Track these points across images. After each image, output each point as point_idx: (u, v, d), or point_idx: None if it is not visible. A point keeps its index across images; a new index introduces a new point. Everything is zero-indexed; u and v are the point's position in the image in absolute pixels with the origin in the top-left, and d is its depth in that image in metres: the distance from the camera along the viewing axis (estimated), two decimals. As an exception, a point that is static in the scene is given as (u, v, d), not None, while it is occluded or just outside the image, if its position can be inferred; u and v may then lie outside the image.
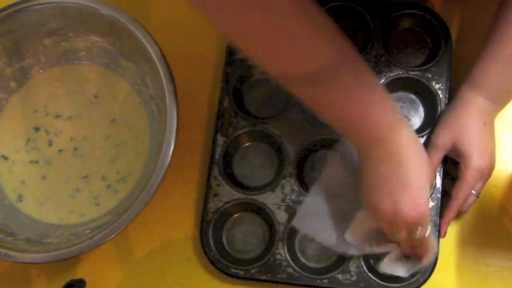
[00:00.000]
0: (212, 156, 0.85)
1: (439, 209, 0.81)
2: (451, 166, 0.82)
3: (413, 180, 0.71)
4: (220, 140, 0.86)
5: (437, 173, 0.82)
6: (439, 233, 0.81)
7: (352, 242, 0.79)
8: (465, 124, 0.79)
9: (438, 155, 0.81)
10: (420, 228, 0.72)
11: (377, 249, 0.79)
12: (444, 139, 0.80)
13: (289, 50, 0.62)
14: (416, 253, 0.77)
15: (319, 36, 0.62)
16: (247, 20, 0.58)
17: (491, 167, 0.79)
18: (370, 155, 0.72)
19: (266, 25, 0.59)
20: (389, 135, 0.70)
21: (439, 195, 0.82)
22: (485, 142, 0.79)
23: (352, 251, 0.80)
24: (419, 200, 0.71)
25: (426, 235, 0.74)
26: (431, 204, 0.82)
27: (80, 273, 0.86)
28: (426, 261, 0.77)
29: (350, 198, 0.80)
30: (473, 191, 0.79)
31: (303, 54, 0.62)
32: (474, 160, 0.77)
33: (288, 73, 0.65)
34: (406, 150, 0.71)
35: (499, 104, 0.80)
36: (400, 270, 0.79)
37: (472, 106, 0.79)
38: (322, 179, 0.83)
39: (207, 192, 0.84)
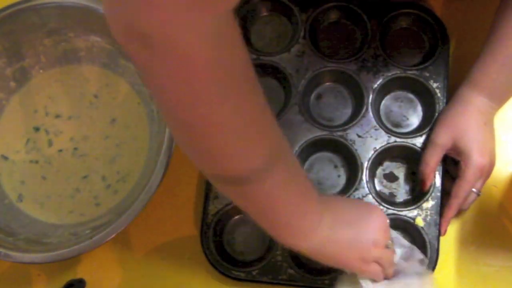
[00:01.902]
0: (212, 156, 0.85)
1: (439, 208, 0.81)
2: (451, 165, 0.82)
3: (361, 238, 0.70)
4: (220, 140, 0.86)
5: (437, 173, 0.82)
6: (439, 231, 0.81)
7: None
8: (465, 123, 0.79)
9: (438, 154, 0.81)
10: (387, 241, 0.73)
11: None
12: (444, 138, 0.80)
13: (223, 149, 0.56)
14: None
15: (255, 132, 0.57)
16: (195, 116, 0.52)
17: (491, 165, 0.79)
18: (304, 252, 0.69)
19: (203, 119, 0.53)
20: (315, 232, 0.67)
21: (439, 194, 0.82)
22: (485, 141, 0.79)
23: None
24: (378, 225, 0.71)
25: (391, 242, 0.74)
26: (431, 203, 0.82)
27: (80, 273, 0.85)
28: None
29: None
30: (473, 189, 0.79)
31: (238, 153, 0.57)
32: (474, 159, 0.78)
33: (221, 172, 0.59)
34: (336, 241, 0.69)
35: (499, 103, 0.81)
36: None
37: (471, 106, 0.79)
38: None
39: (207, 194, 0.84)
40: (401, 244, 0.77)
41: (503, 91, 0.80)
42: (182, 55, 0.47)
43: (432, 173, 0.81)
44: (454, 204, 0.79)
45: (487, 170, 0.79)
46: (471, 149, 0.78)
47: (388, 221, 0.73)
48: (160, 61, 0.48)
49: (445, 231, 0.81)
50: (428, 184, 0.81)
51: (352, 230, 0.69)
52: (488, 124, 0.80)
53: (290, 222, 0.65)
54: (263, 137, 0.58)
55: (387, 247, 0.73)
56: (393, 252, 0.75)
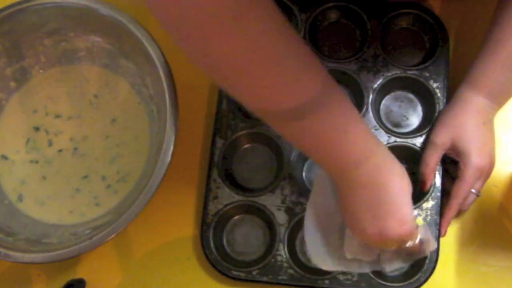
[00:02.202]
0: (211, 158, 0.85)
1: (439, 209, 0.81)
2: (451, 166, 0.82)
3: (396, 201, 0.67)
4: (219, 142, 0.86)
5: (437, 173, 0.82)
6: (439, 232, 0.81)
7: (354, 257, 0.75)
8: (464, 123, 0.79)
9: (437, 154, 0.81)
10: (410, 241, 0.70)
11: (380, 255, 0.76)
12: (443, 138, 0.80)
13: (275, 84, 0.57)
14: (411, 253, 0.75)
15: (305, 67, 0.59)
16: (233, 47, 0.54)
17: (490, 166, 0.79)
18: (350, 180, 0.68)
19: (250, 54, 0.55)
20: (367, 160, 0.66)
21: (438, 194, 0.82)
22: (484, 141, 0.79)
23: (359, 268, 0.76)
24: (405, 219, 0.67)
25: (417, 242, 0.71)
26: (431, 203, 0.82)
27: (80, 273, 0.86)
28: (424, 254, 0.74)
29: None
30: (473, 190, 0.79)
31: (290, 88, 0.58)
32: (473, 159, 0.77)
33: (271, 108, 0.60)
34: (384, 171, 0.68)
35: (498, 103, 0.80)
36: (399, 263, 0.75)
37: (471, 105, 0.79)
38: (311, 199, 0.77)
39: (206, 194, 0.84)
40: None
41: (503, 91, 0.80)
42: None
43: (432, 174, 0.81)
44: (454, 205, 0.79)
45: (487, 171, 0.79)
46: (470, 150, 0.78)
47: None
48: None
49: (445, 232, 0.81)
50: (428, 184, 0.81)
51: (388, 199, 0.67)
52: (488, 124, 0.80)
53: (334, 152, 0.66)
54: (311, 69, 0.59)
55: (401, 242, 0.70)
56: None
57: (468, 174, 0.78)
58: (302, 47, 0.59)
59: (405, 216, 0.67)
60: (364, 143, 0.67)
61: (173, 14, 0.53)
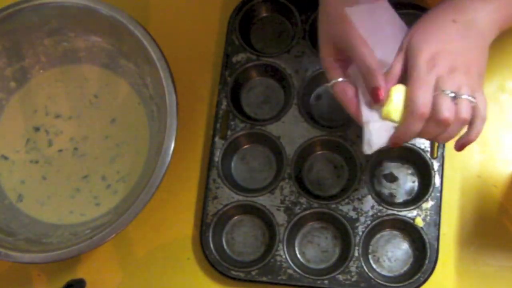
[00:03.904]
0: (211, 159, 0.85)
1: (439, 209, 0.81)
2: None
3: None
4: (219, 142, 0.86)
5: (437, 173, 0.82)
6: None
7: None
8: (424, 18, 0.66)
9: (397, 58, 0.66)
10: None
11: None
12: (404, 39, 0.67)
13: None
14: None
15: None
16: None
17: (443, 52, 0.64)
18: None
19: None
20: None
21: (438, 194, 0.82)
22: (437, 32, 0.65)
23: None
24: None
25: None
26: (431, 203, 0.82)
27: (80, 273, 0.86)
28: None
29: None
30: (446, 90, 0.62)
31: None
32: (414, 48, 0.63)
33: None
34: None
35: (499, 22, 0.66)
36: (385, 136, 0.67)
37: (445, 1, 0.67)
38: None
39: (206, 195, 0.84)
40: None
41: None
42: None
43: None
44: (414, 111, 0.62)
45: (439, 59, 0.63)
46: (412, 36, 0.65)
47: None
48: None
49: (396, 143, 0.67)
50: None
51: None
52: (460, 23, 0.65)
53: None
54: None
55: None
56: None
57: (416, 69, 0.63)
58: None
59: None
60: None
61: None
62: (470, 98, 0.62)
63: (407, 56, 0.65)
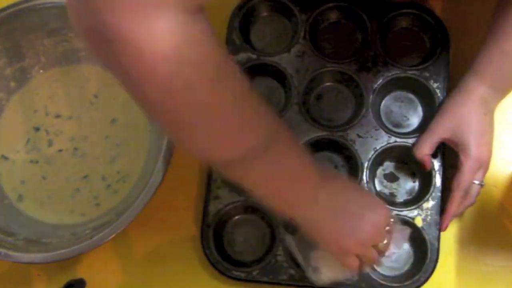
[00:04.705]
0: (212, 158, 0.85)
1: (439, 209, 0.81)
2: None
3: (348, 230, 0.69)
4: (220, 142, 0.86)
5: (437, 173, 0.82)
6: (440, 229, 0.80)
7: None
8: (465, 113, 0.79)
9: (432, 141, 0.81)
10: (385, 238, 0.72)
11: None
12: (442, 126, 0.80)
13: (219, 131, 0.56)
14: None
15: (250, 112, 0.58)
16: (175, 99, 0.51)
17: (489, 157, 0.79)
18: (307, 214, 0.68)
19: (191, 105, 0.52)
20: (316, 194, 0.67)
21: (439, 194, 0.82)
22: (484, 132, 0.79)
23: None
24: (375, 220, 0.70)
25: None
26: (431, 203, 0.82)
27: (80, 273, 0.85)
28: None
29: None
30: (476, 181, 0.79)
31: (235, 134, 0.57)
32: (473, 150, 0.77)
33: (219, 156, 0.59)
34: (340, 196, 0.70)
35: (502, 93, 0.80)
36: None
37: (474, 95, 0.79)
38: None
39: (207, 195, 0.84)
40: (398, 246, 0.76)
41: (506, 80, 0.80)
42: (136, 51, 0.47)
43: (425, 157, 0.81)
44: (455, 197, 0.79)
45: (486, 161, 0.79)
46: (470, 141, 0.78)
47: (389, 221, 0.72)
48: (116, 57, 0.48)
49: (446, 226, 0.80)
50: (426, 166, 0.81)
51: (342, 219, 0.69)
52: (488, 115, 0.79)
53: (282, 197, 0.67)
54: (247, 126, 0.58)
55: (377, 245, 0.71)
56: (384, 250, 0.73)
57: (468, 165, 0.78)
58: (245, 88, 0.57)
59: (373, 220, 0.70)
60: (314, 180, 0.67)
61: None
62: (484, 184, 0.80)
63: (449, 143, 0.81)
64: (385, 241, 0.72)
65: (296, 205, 0.67)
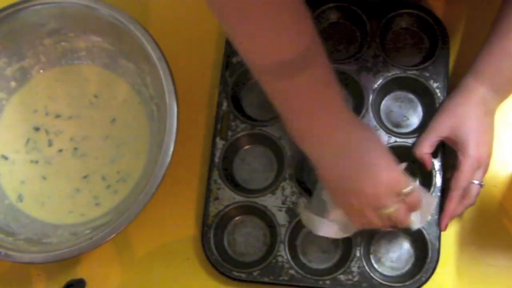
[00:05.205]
0: (212, 159, 0.85)
1: (440, 208, 0.81)
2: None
3: (374, 159, 0.71)
4: (219, 143, 0.86)
5: (437, 172, 0.82)
6: (440, 226, 0.80)
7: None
8: (465, 113, 0.79)
9: (432, 139, 0.81)
10: (406, 188, 0.71)
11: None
12: (442, 125, 0.80)
13: (268, 37, 0.62)
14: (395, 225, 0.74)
15: (297, 23, 0.63)
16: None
17: (488, 157, 0.79)
18: (319, 150, 0.71)
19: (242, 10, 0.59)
20: (335, 131, 0.69)
21: (439, 194, 0.82)
22: (483, 132, 0.79)
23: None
24: (388, 170, 0.71)
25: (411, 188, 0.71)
26: (432, 202, 0.82)
27: (80, 273, 0.85)
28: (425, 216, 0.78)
29: None
30: (475, 181, 0.79)
31: (281, 41, 0.62)
32: (472, 150, 0.77)
33: (264, 62, 0.65)
34: (359, 143, 0.71)
35: (502, 95, 0.80)
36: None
37: (474, 95, 0.79)
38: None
39: (207, 195, 0.84)
40: (421, 219, 0.77)
41: (506, 81, 0.80)
42: None
43: (425, 156, 0.81)
44: (454, 196, 0.79)
45: (485, 161, 0.79)
46: (469, 141, 0.78)
47: (400, 189, 0.70)
48: None
49: (446, 226, 0.80)
50: (427, 166, 0.81)
51: (353, 166, 0.70)
52: (488, 115, 0.80)
53: (302, 120, 0.69)
54: (296, 29, 0.63)
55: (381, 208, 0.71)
56: (395, 218, 0.72)
57: (466, 164, 0.78)
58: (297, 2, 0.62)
59: (386, 167, 0.71)
60: (335, 119, 0.69)
61: None
62: (483, 184, 0.80)
63: (449, 142, 0.81)
64: (392, 208, 0.71)
65: (314, 135, 0.69)
